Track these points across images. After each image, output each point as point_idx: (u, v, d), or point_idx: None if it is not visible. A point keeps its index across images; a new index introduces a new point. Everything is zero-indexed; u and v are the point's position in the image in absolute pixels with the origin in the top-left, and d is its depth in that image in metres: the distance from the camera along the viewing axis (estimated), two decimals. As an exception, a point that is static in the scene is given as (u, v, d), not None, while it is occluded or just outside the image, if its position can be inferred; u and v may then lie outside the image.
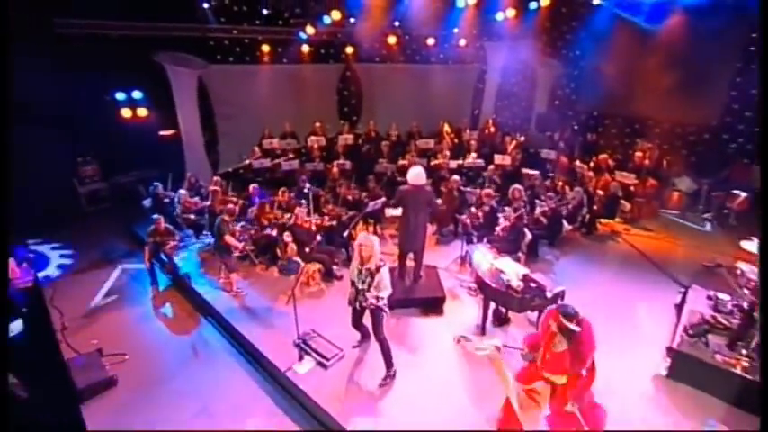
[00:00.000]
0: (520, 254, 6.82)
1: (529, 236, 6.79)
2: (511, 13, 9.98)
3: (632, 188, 8.75)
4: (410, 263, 6.50)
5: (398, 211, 6.48)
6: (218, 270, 6.95)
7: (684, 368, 4.66)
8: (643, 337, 5.49)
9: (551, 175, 9.54)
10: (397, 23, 11.22)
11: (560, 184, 8.75)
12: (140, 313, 6.29)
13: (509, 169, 9.65)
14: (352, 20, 10.41)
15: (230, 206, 6.76)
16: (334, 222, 7.39)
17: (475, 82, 13.07)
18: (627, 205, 8.63)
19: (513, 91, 12.89)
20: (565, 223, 7.48)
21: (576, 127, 11.31)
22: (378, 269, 4.45)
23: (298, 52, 11.84)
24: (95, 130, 9.83)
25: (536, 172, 9.70)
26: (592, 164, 9.38)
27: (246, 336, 5.59)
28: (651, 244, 8.06)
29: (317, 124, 11.07)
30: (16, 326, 3.22)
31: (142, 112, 10.18)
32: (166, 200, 8.55)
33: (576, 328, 3.20)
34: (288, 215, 7.39)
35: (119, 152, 10.23)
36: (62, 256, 7.94)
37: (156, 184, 8.68)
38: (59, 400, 3.82)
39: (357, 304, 4.66)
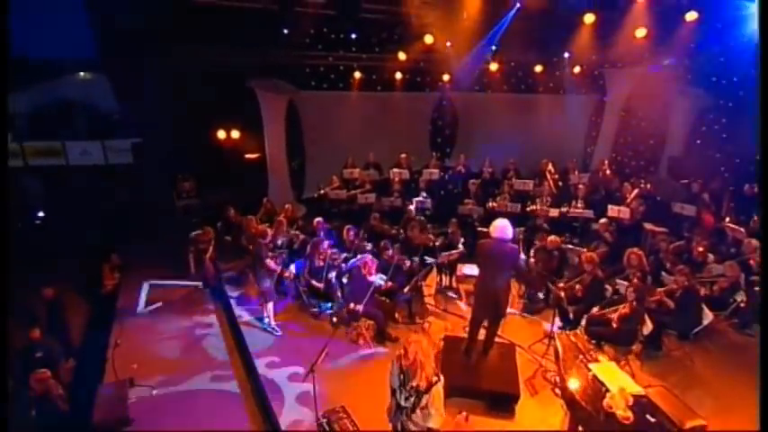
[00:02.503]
0: (634, 347, 5.06)
1: (649, 324, 4.99)
2: (641, 32, 8.13)
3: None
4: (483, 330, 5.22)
5: (475, 270, 5.30)
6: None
7: None
8: None
9: (686, 236, 7.39)
10: (495, 48, 10.03)
11: (700, 250, 6.62)
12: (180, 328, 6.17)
13: (626, 224, 7.72)
14: (448, 43, 9.50)
15: (261, 227, 6.26)
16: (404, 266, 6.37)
17: (590, 115, 11.17)
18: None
19: (638, 126, 10.72)
20: (706, 310, 5.42)
21: (727, 175, 8.84)
22: (429, 387, 3.16)
23: (391, 79, 11.35)
24: (194, 149, 10.44)
25: (663, 230, 7.65)
26: (752, 225, 7.01)
27: (265, 388, 4.94)
28: None
29: (403, 155, 10.31)
30: None
31: (235, 134, 10.52)
32: (234, 225, 8.41)
33: None
34: (344, 256, 6.62)
35: (213, 171, 10.74)
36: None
37: (229, 208, 8.65)
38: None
39: (398, 424, 3.36)
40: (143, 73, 9.61)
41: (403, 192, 9.26)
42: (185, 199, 10.87)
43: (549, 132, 10.79)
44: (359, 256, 6.01)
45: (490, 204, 8.66)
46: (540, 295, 6.68)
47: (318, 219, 7.74)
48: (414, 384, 3.14)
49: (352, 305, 5.38)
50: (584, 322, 5.55)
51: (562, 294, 5.64)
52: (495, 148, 11.15)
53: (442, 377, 3.24)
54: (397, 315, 6.37)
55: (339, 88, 11.37)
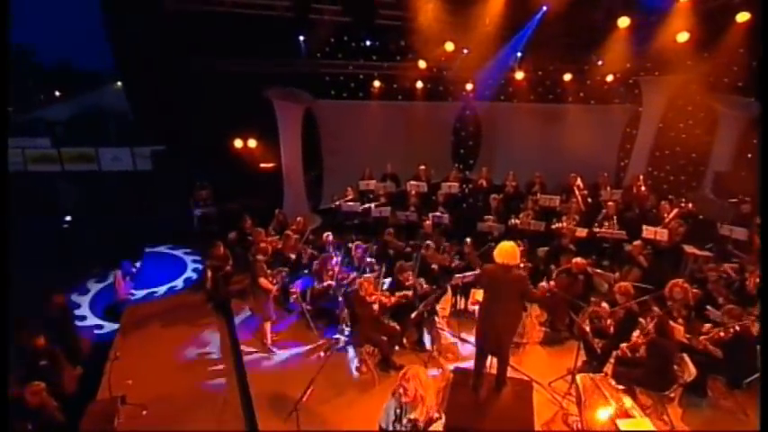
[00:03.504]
0: (671, 394, 4.40)
1: (692, 368, 4.32)
2: (683, 36, 7.42)
3: None
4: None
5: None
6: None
7: None
8: None
9: (735, 262, 6.60)
10: (520, 55, 9.50)
11: (757, 281, 5.83)
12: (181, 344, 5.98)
13: (664, 246, 6.99)
14: (465, 51, 9.06)
15: (263, 245, 5.99)
16: (408, 294, 5.90)
17: (624, 126, 10.40)
18: None
19: (678, 139, 9.87)
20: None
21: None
22: (428, 424, 2.83)
23: (412, 88, 11.01)
24: (211, 158, 10.46)
25: (707, 254, 6.88)
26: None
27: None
28: None
29: (422, 167, 9.88)
30: None
31: (252, 143, 10.43)
32: (249, 236, 8.19)
33: None
34: (354, 274, 6.23)
35: (229, 180, 10.71)
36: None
37: (246, 218, 8.47)
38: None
39: None
40: (162, 82, 9.72)
41: (420, 206, 8.81)
42: (202, 207, 10.84)
43: (578, 145, 10.08)
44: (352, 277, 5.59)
45: (512, 221, 8.08)
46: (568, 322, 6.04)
47: (328, 233, 7.41)
48: (411, 417, 2.85)
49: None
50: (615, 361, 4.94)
51: (587, 328, 5.00)
52: (520, 160, 10.59)
53: (444, 416, 2.93)
54: (405, 340, 5.91)
55: (359, 97, 11.14)
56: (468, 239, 6.93)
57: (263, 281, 5.63)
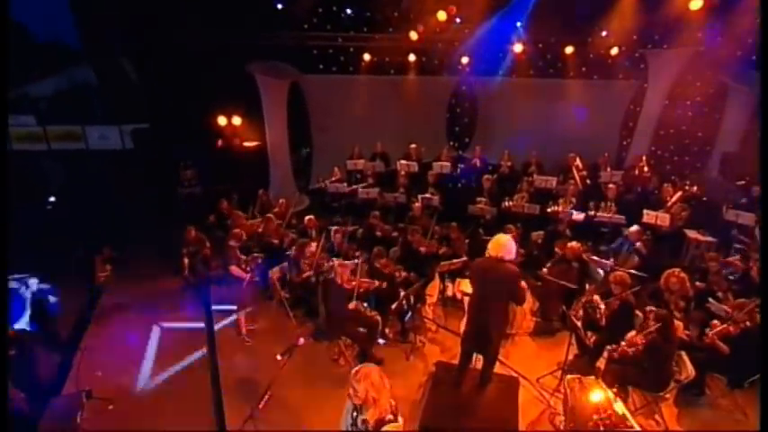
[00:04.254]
0: (666, 394, 4.08)
1: (690, 368, 3.99)
2: (696, 4, 6.81)
3: None
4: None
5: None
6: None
7: None
8: None
9: (740, 249, 6.23)
10: (520, 26, 8.87)
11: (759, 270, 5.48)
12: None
13: (665, 232, 6.60)
14: (458, 20, 8.44)
15: (236, 230, 5.55)
16: (384, 284, 5.55)
17: (628, 103, 9.83)
18: None
19: (684, 117, 9.35)
20: None
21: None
22: (378, 426, 2.59)
23: (405, 62, 10.40)
24: (195, 136, 9.99)
25: (709, 239, 6.51)
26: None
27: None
28: None
29: (412, 146, 9.41)
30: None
31: (236, 121, 9.93)
32: (228, 220, 7.80)
33: None
34: (334, 261, 5.86)
35: (214, 159, 10.28)
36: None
37: (222, 200, 8.08)
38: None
39: None
40: (139, 57, 9.17)
41: (409, 187, 8.38)
42: (187, 187, 10.42)
43: (578, 122, 9.59)
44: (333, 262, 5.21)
45: (506, 204, 7.67)
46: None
47: (310, 217, 7.01)
48: (363, 418, 2.68)
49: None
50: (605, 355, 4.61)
51: (578, 320, 4.65)
52: (517, 139, 10.07)
53: (401, 419, 2.70)
54: (387, 330, 5.60)
55: (348, 72, 10.52)
56: (454, 224, 6.51)
57: (234, 268, 5.28)
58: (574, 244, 5.85)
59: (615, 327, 4.62)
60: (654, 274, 5.72)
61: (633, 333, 4.15)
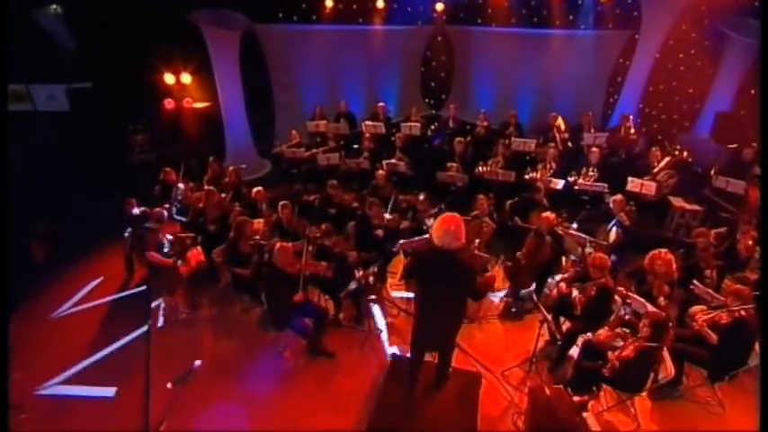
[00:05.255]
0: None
1: (670, 367, 3.49)
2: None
3: None
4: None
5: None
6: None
7: None
8: None
9: (727, 217, 5.72)
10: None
11: (749, 243, 4.98)
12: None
13: (649, 200, 6.03)
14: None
15: (157, 209, 4.83)
16: (331, 267, 4.88)
17: (617, 56, 8.98)
18: None
19: (676, 72, 8.60)
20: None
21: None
22: None
23: (374, 9, 9.29)
24: (142, 98, 8.90)
25: (696, 208, 6.00)
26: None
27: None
28: None
29: (380, 105, 8.53)
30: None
31: (186, 79, 8.85)
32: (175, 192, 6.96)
33: None
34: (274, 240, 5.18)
35: (166, 122, 9.28)
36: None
37: (167, 169, 7.19)
38: None
39: None
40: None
41: (375, 151, 7.59)
42: (139, 154, 9.46)
43: (563, 78, 8.77)
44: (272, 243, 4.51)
45: (478, 170, 6.98)
46: (532, 290, 5.18)
47: (258, 189, 6.22)
48: None
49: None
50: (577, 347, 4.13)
51: (549, 315, 4.10)
52: (497, 96, 9.28)
53: None
54: (341, 316, 5.03)
55: (311, 20, 9.39)
56: (422, 195, 5.82)
57: (152, 254, 4.57)
58: (548, 215, 5.24)
59: (591, 314, 4.11)
60: (636, 247, 5.26)
61: (624, 345, 3.56)
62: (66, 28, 8.87)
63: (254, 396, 4.12)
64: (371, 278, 5.14)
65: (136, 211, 5.82)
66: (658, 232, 6.38)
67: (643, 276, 4.37)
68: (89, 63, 9.03)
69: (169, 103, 9.06)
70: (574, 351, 4.30)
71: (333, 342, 4.71)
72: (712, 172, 6.62)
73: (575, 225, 5.59)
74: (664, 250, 4.18)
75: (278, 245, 4.27)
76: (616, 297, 4.19)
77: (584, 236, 5.26)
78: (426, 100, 10.90)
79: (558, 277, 5.07)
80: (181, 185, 6.72)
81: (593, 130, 7.35)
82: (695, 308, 3.95)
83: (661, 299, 4.05)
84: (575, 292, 4.22)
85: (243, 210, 6.06)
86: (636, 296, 3.98)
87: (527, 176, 6.82)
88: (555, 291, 5.14)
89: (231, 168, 6.98)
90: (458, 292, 3.25)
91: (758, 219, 5.20)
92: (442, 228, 3.05)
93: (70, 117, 9.02)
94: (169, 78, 8.71)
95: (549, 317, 3.97)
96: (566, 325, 4.54)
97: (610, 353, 3.51)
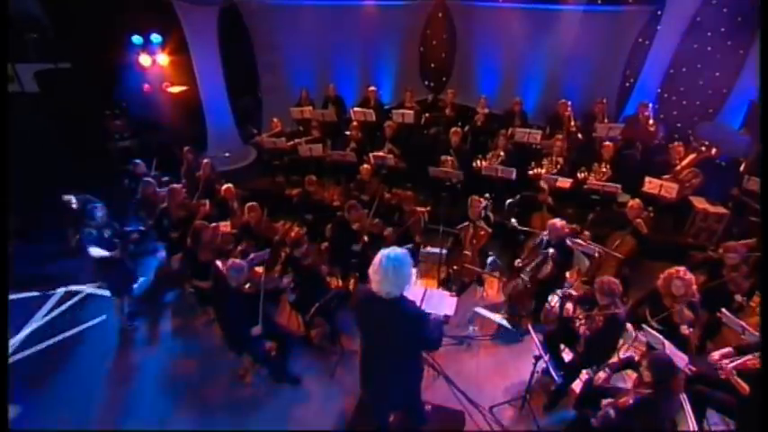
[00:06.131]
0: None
1: (692, 425, 2.86)
2: None
3: None
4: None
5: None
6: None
7: None
8: None
9: (757, 222, 4.98)
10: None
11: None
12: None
13: (670, 202, 5.30)
14: None
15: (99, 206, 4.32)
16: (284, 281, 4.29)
17: (636, 35, 8.04)
18: None
19: (703, 52, 7.66)
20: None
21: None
22: None
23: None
24: (117, 81, 8.24)
25: (722, 210, 5.29)
26: None
27: None
28: None
29: (370, 88, 7.76)
30: None
31: (163, 60, 8.16)
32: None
33: None
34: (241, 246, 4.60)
35: (145, 107, 8.63)
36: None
37: (137, 161, 6.59)
38: None
39: None
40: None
41: (363, 141, 6.88)
42: (119, 140, 8.87)
43: (575, 60, 7.88)
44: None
45: (477, 164, 6.26)
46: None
47: (228, 185, 5.58)
48: None
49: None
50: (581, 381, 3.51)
51: (546, 356, 3.45)
52: (501, 80, 8.44)
53: None
54: (312, 333, 4.46)
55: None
56: (410, 193, 5.15)
57: (92, 249, 4.04)
58: (555, 222, 4.54)
59: (596, 348, 3.47)
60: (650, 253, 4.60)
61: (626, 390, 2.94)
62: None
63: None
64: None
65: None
66: (677, 238, 5.69)
67: (657, 301, 3.70)
68: (60, 43, 8.38)
69: (147, 88, 8.42)
70: (576, 386, 3.72)
71: (300, 364, 4.17)
72: (741, 169, 5.85)
73: (586, 233, 4.87)
74: (682, 269, 3.49)
75: (229, 262, 3.64)
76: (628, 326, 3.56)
77: (595, 246, 4.59)
78: (426, 82, 10.09)
79: (561, 292, 4.43)
80: (149, 179, 6.09)
81: (606, 120, 6.55)
82: (716, 354, 3.28)
83: (684, 327, 3.40)
84: (579, 317, 3.57)
85: (215, 209, 5.45)
86: (651, 330, 3.33)
87: (531, 172, 6.11)
88: (556, 305, 4.57)
89: (205, 161, 6.34)
90: (405, 347, 2.54)
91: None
92: (378, 268, 2.32)
93: (38, 100, 8.40)
94: (145, 60, 8.03)
95: (546, 357, 3.32)
96: (566, 352, 3.92)
97: (603, 400, 2.89)
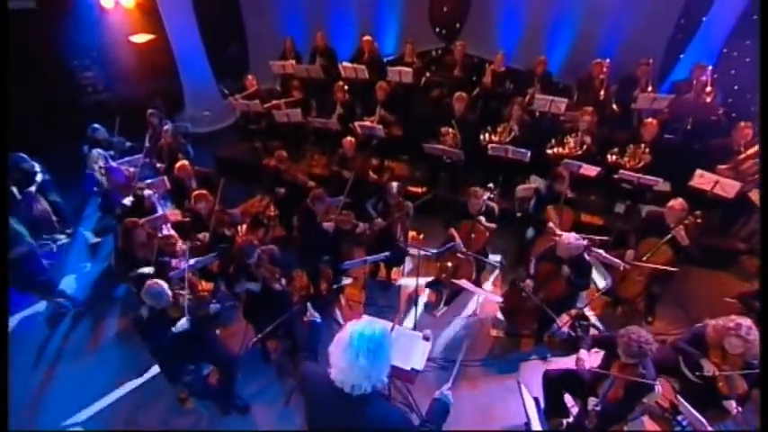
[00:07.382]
0: None
1: None
2: None
3: None
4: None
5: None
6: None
7: None
8: None
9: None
10: None
11: None
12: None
13: (729, 199, 4.20)
14: None
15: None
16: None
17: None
18: None
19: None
20: None
21: None
22: None
23: None
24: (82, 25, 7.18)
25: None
26: None
27: None
28: None
29: (365, 38, 6.51)
30: None
31: (127, 3, 7.04)
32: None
33: None
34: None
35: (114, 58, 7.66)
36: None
37: (96, 126, 5.71)
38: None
39: None
40: None
41: (350, 105, 5.81)
42: (92, 94, 8.01)
43: (614, 8, 6.36)
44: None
45: (484, 137, 5.18)
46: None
47: (183, 162, 4.69)
48: None
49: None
50: None
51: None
52: (522, 30, 7.04)
53: None
54: (272, 346, 3.78)
55: None
56: (395, 184, 4.16)
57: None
58: (565, 239, 3.46)
59: (611, 419, 2.65)
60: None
61: None
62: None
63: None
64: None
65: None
66: (724, 240, 4.67)
67: (703, 345, 2.81)
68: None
69: (112, 36, 7.39)
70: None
71: (253, 386, 3.53)
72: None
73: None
74: (746, 324, 2.57)
75: (147, 283, 2.85)
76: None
77: (618, 261, 3.65)
78: (436, 29, 8.64)
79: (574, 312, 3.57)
80: (98, 151, 5.25)
81: (650, 88, 5.26)
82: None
83: (731, 403, 2.54)
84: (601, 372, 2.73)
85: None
86: (687, 405, 2.48)
87: (549, 151, 5.02)
88: (566, 326, 3.73)
89: (165, 128, 5.43)
90: None
91: None
92: (344, 356, 1.54)
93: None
94: (107, 2, 6.91)
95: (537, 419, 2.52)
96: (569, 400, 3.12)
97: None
